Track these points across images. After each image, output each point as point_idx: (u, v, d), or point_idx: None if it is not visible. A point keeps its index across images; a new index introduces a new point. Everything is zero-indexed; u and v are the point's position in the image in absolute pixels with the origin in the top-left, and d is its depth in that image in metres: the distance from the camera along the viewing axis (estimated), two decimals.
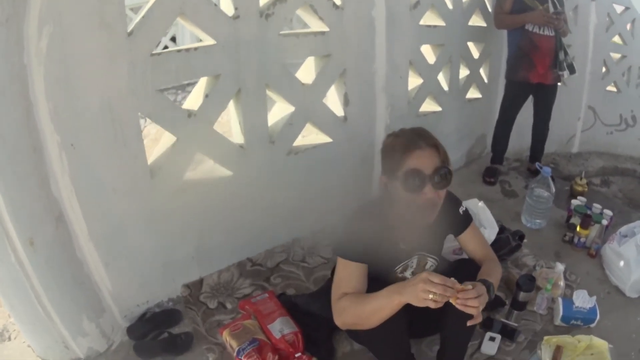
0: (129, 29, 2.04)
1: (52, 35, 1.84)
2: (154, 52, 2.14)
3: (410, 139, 1.88)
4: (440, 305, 1.63)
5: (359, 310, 1.81)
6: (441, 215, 1.97)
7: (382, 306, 1.76)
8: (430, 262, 2.18)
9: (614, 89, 5.43)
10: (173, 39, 8.90)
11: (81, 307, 2.22)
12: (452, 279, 1.67)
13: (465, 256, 2.31)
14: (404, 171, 1.82)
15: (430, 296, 1.61)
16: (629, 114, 5.45)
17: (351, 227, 2.01)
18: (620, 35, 5.26)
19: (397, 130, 2.01)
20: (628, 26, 5.25)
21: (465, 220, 2.19)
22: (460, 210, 2.17)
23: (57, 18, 1.84)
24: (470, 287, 1.68)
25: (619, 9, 5.18)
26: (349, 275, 1.90)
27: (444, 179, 1.85)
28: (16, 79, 1.79)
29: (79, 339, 2.21)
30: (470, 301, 1.65)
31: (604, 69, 5.27)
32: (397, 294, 1.71)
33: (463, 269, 2.04)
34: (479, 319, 1.74)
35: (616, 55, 5.35)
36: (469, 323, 1.75)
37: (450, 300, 1.65)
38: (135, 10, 7.59)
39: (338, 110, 3.12)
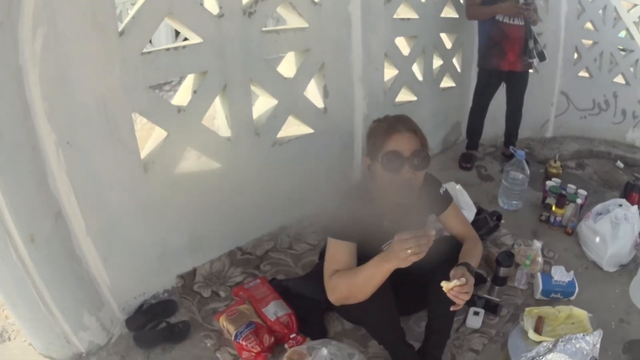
0: (120, 28, 2.11)
1: (46, 37, 1.90)
2: (144, 50, 2.21)
3: (391, 124, 2.04)
4: (422, 255, 1.77)
5: (351, 284, 1.94)
6: (423, 196, 2.11)
7: (373, 275, 1.89)
8: None
9: (587, 75, 5.54)
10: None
11: (81, 301, 2.28)
12: (424, 229, 1.82)
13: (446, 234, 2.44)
14: (384, 152, 1.98)
15: (409, 251, 1.74)
16: (602, 98, 5.56)
17: (339, 208, 2.13)
18: (591, 21, 5.35)
19: (382, 117, 2.15)
20: (600, 12, 5.35)
21: (446, 200, 2.33)
22: (441, 191, 2.31)
23: (50, 19, 1.90)
24: (464, 280, 1.85)
25: None
26: (339, 253, 2.02)
27: (422, 161, 2.00)
28: (13, 80, 1.85)
29: (80, 333, 2.27)
30: (462, 295, 1.84)
31: (575, 55, 5.40)
32: (385, 262, 1.84)
33: (444, 246, 2.15)
34: (460, 307, 1.90)
35: (588, 42, 5.45)
36: (452, 308, 1.90)
37: (444, 289, 1.84)
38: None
39: (318, 102, 3.24)
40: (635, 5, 5.29)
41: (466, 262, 2.02)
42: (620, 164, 5.25)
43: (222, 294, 2.69)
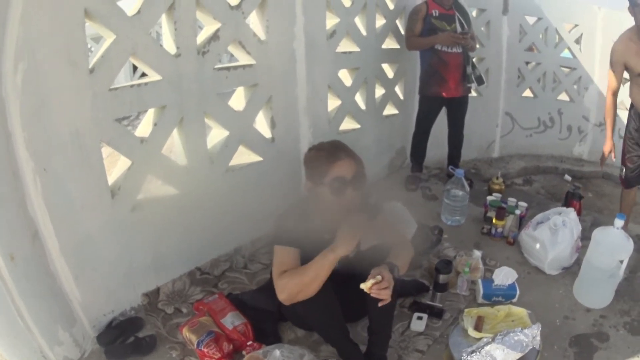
0: (90, 66, 2.48)
1: (27, 71, 2.22)
2: (111, 87, 2.61)
3: (331, 152, 2.52)
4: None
5: (301, 279, 2.32)
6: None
7: (321, 267, 2.30)
8: None
9: (531, 95, 6.16)
10: None
11: (56, 317, 2.57)
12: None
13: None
14: (330, 179, 2.45)
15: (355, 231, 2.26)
16: (547, 116, 6.21)
17: (283, 221, 2.58)
18: (534, 44, 6.00)
19: (316, 144, 2.64)
20: (541, 34, 5.98)
21: (376, 210, 2.73)
22: (371, 202, 2.74)
23: (30, 56, 2.22)
24: (380, 278, 2.23)
25: (531, 20, 5.91)
26: (286, 257, 2.44)
27: (361, 181, 2.51)
28: None
29: (55, 348, 2.53)
30: (382, 292, 2.23)
31: (518, 77, 6.00)
32: (330, 252, 2.29)
33: (381, 254, 2.53)
34: (388, 300, 2.27)
35: (531, 64, 6.08)
36: (380, 304, 2.28)
37: (365, 290, 2.23)
38: (97, 39, 7.97)
39: (266, 132, 3.69)
40: (576, 25, 5.93)
41: (387, 261, 2.39)
42: (567, 177, 5.80)
43: (184, 310, 3.08)
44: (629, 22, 3.64)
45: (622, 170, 4.04)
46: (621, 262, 3.12)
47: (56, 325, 2.58)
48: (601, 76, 5.91)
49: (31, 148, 2.35)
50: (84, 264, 2.73)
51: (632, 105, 3.88)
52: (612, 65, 3.76)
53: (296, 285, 2.33)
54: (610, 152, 4.02)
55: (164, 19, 2.86)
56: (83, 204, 2.66)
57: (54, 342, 2.55)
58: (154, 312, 3.07)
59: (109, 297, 2.93)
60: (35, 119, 2.34)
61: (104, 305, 2.91)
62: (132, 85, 2.75)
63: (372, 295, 2.24)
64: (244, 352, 2.67)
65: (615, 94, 3.89)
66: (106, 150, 2.79)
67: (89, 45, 8.39)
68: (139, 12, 2.66)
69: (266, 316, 2.91)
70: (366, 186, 2.59)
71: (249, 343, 2.74)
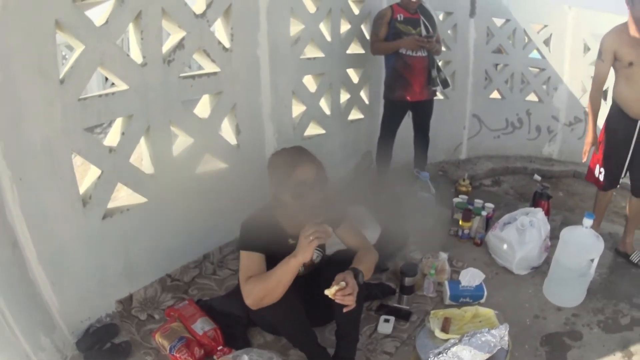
0: (60, 76, 2.64)
1: (3, 83, 2.38)
2: (80, 97, 2.77)
3: (292, 157, 2.70)
4: (323, 240, 2.42)
5: (266, 285, 2.47)
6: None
7: (283, 272, 2.45)
8: (316, 254, 2.90)
9: (499, 96, 6.42)
10: None
11: (38, 324, 2.73)
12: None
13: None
14: (292, 183, 2.61)
15: (311, 237, 2.37)
16: (515, 117, 6.46)
17: (249, 226, 2.73)
18: (501, 45, 6.26)
19: (279, 149, 2.83)
20: (509, 36, 6.22)
21: (340, 215, 2.90)
22: (335, 207, 2.86)
23: (5, 67, 2.38)
24: (344, 284, 2.38)
25: (499, 22, 6.16)
26: (251, 263, 2.60)
27: (323, 185, 2.68)
28: None
29: (39, 353, 2.68)
30: (346, 298, 2.38)
31: (486, 79, 6.26)
32: (292, 258, 2.43)
33: (340, 257, 2.76)
34: (353, 306, 2.43)
35: (499, 65, 6.37)
36: (345, 310, 2.45)
37: (330, 297, 2.37)
38: (70, 47, 8.09)
39: (231, 139, 3.91)
40: (545, 26, 6.19)
41: (352, 267, 2.56)
42: (537, 177, 6.04)
43: (157, 316, 3.28)
44: (602, 20, 3.84)
45: (601, 173, 4.10)
46: (592, 261, 3.28)
47: (38, 331, 2.74)
48: (571, 76, 6.24)
49: (8, 157, 2.50)
50: (60, 272, 2.89)
51: (613, 105, 3.97)
52: (602, 54, 3.82)
53: (261, 291, 2.49)
54: (592, 144, 4.10)
55: (131, 28, 3.05)
56: (56, 212, 2.82)
57: (37, 348, 2.70)
58: (128, 318, 3.26)
59: (85, 304, 3.09)
60: (11, 128, 2.50)
61: (80, 312, 3.07)
62: (100, 95, 2.93)
63: (336, 301, 2.39)
64: (214, 357, 2.87)
65: (602, 84, 3.97)
66: (79, 159, 2.95)
67: (63, 53, 8.66)
68: (106, 22, 2.84)
69: (235, 321, 3.09)
70: (328, 190, 2.75)
71: (219, 348, 2.91)
